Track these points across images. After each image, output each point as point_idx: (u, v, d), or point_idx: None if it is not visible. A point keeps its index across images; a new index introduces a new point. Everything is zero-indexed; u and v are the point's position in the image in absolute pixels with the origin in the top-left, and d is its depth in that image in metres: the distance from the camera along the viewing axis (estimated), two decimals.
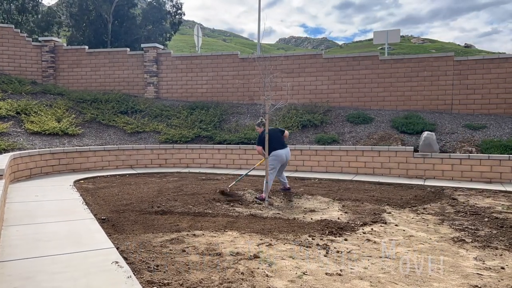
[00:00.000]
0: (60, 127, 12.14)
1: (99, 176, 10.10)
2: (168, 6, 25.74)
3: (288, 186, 8.12)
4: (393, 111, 13.06)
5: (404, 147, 10.42)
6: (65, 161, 10.55)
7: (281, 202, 7.28)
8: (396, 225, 5.68)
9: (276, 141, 7.54)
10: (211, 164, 11.93)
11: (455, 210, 6.68)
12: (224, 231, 5.27)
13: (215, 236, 5.02)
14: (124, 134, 12.99)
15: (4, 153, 9.79)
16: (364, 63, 13.57)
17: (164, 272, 3.80)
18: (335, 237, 5.08)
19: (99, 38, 23.11)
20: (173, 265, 3.99)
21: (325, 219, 5.89)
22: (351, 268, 4.00)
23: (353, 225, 5.64)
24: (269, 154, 7.41)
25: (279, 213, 6.36)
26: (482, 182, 9.39)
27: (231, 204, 7.00)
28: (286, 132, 7.94)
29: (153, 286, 3.50)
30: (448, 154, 9.98)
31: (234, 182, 8.19)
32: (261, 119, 7.84)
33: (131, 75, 15.89)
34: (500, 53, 26.56)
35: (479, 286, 3.64)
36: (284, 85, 12.48)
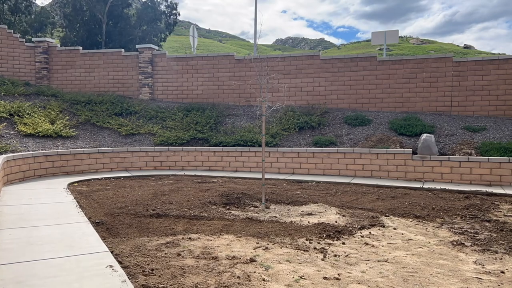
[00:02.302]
0: (53, 129, 12.02)
1: (93, 179, 10.01)
2: (163, 6, 25.61)
3: None
4: (391, 113, 13.03)
5: (402, 149, 10.39)
6: (58, 164, 10.45)
7: (278, 205, 7.22)
8: (394, 229, 5.63)
9: None
10: (207, 166, 11.85)
11: (454, 213, 6.66)
12: (220, 234, 5.21)
13: (211, 240, 4.97)
14: (118, 136, 12.89)
15: None
16: (362, 64, 13.55)
17: (159, 276, 3.77)
18: (333, 240, 5.03)
19: (93, 39, 22.95)
20: (168, 269, 3.95)
21: (323, 223, 5.84)
22: (349, 272, 3.96)
23: (351, 228, 5.59)
24: None
25: (275, 216, 6.29)
26: (481, 185, 9.35)
27: (227, 207, 6.94)
28: None
29: None
30: (447, 156, 9.95)
31: None
32: None
33: (125, 76, 15.79)
34: (500, 54, 26.62)
35: None
36: (281, 87, 12.44)
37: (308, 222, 5.94)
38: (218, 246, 4.70)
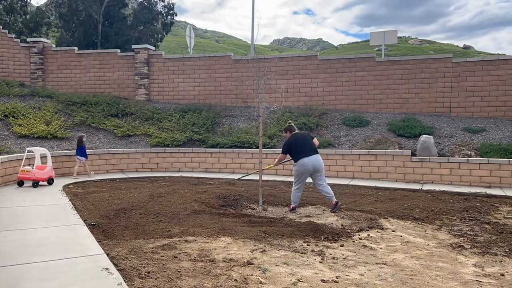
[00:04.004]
0: (49, 130, 11.94)
1: (89, 181, 9.95)
2: (159, 7, 25.49)
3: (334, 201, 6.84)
4: (390, 114, 12.97)
5: (401, 151, 10.35)
6: (54, 165, 10.32)
7: (276, 207, 7.18)
8: (393, 231, 5.59)
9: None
10: (204, 168, 11.79)
11: (453, 215, 6.62)
12: (217, 236, 5.16)
13: (207, 242, 4.91)
14: (114, 138, 12.81)
15: None
16: (360, 65, 13.49)
17: (156, 279, 3.72)
18: (331, 243, 4.98)
19: (89, 39, 22.82)
20: (164, 271, 3.91)
21: (321, 225, 5.79)
22: (347, 275, 3.92)
23: (349, 230, 5.55)
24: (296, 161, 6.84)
25: (273, 219, 6.24)
26: (481, 186, 9.30)
27: (224, 209, 6.88)
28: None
29: None
30: (447, 158, 9.92)
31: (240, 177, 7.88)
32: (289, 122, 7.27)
33: (121, 77, 15.70)
34: (500, 54, 26.59)
35: None
36: (278, 87, 12.39)
37: (306, 224, 5.89)
38: (215, 249, 4.65)
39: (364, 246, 4.88)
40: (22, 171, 8.75)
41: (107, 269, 3.82)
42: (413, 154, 10.32)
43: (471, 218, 6.32)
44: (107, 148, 11.92)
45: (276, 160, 7.26)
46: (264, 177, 9.99)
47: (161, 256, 4.38)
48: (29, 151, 9.39)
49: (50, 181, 9.08)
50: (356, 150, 10.70)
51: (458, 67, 12.62)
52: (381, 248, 4.81)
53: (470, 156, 10.10)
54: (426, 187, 9.21)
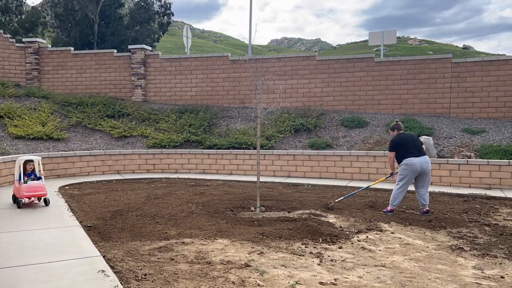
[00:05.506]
0: (44, 131, 11.86)
1: (85, 182, 9.89)
2: (156, 6, 25.35)
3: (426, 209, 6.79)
4: (389, 115, 12.93)
5: None
6: (49, 167, 10.28)
7: (274, 209, 7.13)
8: (392, 233, 5.56)
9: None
10: (201, 169, 11.73)
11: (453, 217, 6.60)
12: (214, 239, 5.12)
13: (205, 244, 4.88)
14: (111, 139, 12.73)
15: None
16: (359, 65, 13.43)
17: (152, 281, 3.70)
18: (329, 245, 4.96)
19: (85, 39, 22.72)
20: (161, 274, 3.89)
21: (319, 227, 5.75)
22: (346, 277, 3.90)
23: (347, 232, 5.52)
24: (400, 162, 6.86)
25: (271, 220, 6.20)
26: (481, 188, 9.24)
27: (222, 210, 6.84)
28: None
29: None
30: (446, 159, 9.87)
31: (342, 198, 7.51)
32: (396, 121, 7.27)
33: (118, 78, 15.63)
34: (500, 54, 26.54)
35: None
36: (276, 88, 12.33)
37: (305, 226, 5.84)
38: (212, 251, 4.62)
39: (363, 248, 4.85)
40: None
41: (103, 271, 3.82)
42: None
43: (470, 220, 6.30)
44: (103, 149, 11.85)
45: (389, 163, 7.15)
46: (262, 179, 9.95)
47: (158, 258, 4.36)
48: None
49: None
50: (354, 151, 10.67)
51: (457, 67, 12.57)
52: (380, 250, 4.79)
53: (469, 157, 10.06)
54: None
